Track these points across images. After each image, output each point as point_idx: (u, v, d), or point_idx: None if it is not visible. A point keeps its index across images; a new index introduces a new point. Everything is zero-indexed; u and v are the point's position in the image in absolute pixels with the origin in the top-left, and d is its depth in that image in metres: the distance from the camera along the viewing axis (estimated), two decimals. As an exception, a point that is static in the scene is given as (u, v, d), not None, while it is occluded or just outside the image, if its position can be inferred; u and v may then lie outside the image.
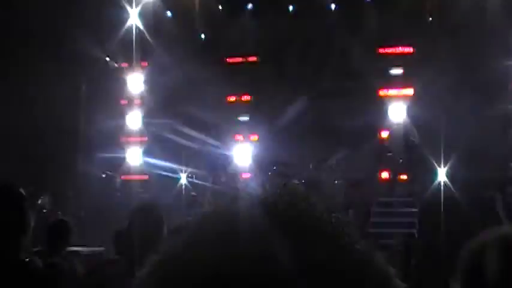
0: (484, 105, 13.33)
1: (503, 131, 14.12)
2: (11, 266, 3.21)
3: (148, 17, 15.18)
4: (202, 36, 16.07)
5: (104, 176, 16.25)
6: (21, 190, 3.39)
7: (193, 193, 14.30)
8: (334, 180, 14.20)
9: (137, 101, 15.76)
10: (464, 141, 12.61)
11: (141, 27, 14.76)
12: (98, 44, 15.40)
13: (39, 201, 13.46)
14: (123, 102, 16.14)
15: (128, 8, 14.73)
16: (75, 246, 8.76)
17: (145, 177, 15.71)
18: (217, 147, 15.11)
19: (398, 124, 14.30)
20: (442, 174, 12.92)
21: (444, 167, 12.89)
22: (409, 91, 15.54)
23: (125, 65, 16.04)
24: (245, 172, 15.09)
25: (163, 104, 15.35)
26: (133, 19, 14.79)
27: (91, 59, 15.37)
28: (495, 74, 13.94)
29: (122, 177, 16.17)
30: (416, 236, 11.99)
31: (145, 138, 15.85)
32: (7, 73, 14.19)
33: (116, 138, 15.95)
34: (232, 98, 16.34)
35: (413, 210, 12.81)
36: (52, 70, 13.68)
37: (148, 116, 15.73)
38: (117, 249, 6.05)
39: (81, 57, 14.85)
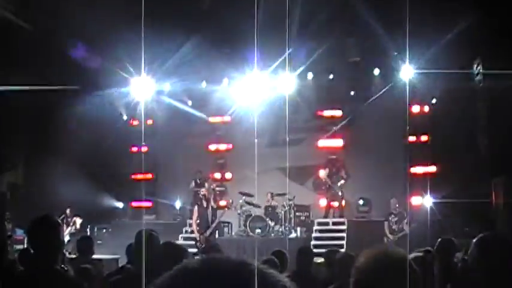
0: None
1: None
2: (49, 273, 3.32)
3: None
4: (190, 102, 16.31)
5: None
6: (57, 219, 3.62)
7: None
8: (286, 206, 14.71)
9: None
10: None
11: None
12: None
13: (71, 222, 13.73)
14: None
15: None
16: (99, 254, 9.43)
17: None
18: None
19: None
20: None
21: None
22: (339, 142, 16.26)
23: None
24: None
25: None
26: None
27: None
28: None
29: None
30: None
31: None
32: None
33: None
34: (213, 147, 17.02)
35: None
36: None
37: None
38: (128, 258, 6.33)
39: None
